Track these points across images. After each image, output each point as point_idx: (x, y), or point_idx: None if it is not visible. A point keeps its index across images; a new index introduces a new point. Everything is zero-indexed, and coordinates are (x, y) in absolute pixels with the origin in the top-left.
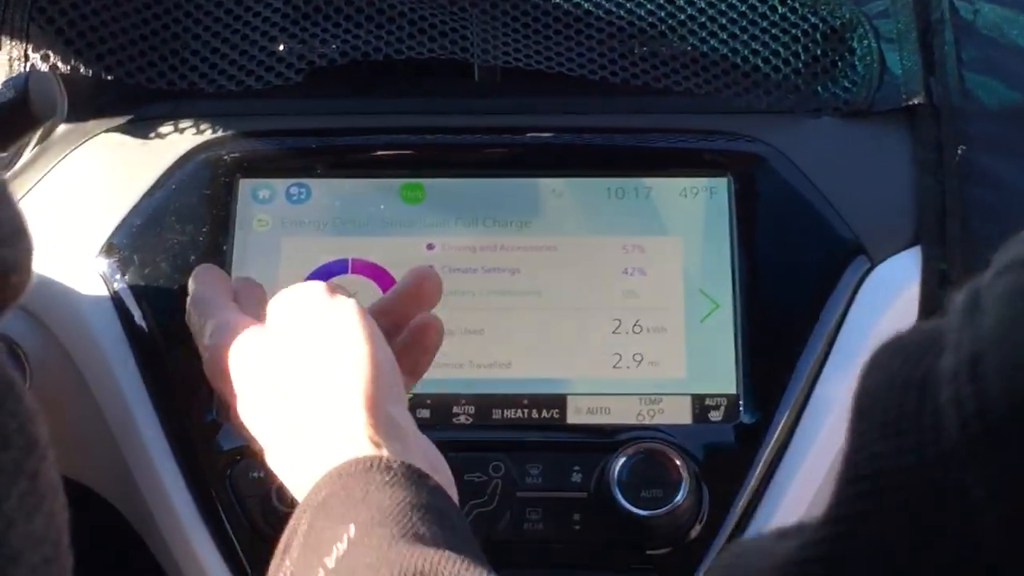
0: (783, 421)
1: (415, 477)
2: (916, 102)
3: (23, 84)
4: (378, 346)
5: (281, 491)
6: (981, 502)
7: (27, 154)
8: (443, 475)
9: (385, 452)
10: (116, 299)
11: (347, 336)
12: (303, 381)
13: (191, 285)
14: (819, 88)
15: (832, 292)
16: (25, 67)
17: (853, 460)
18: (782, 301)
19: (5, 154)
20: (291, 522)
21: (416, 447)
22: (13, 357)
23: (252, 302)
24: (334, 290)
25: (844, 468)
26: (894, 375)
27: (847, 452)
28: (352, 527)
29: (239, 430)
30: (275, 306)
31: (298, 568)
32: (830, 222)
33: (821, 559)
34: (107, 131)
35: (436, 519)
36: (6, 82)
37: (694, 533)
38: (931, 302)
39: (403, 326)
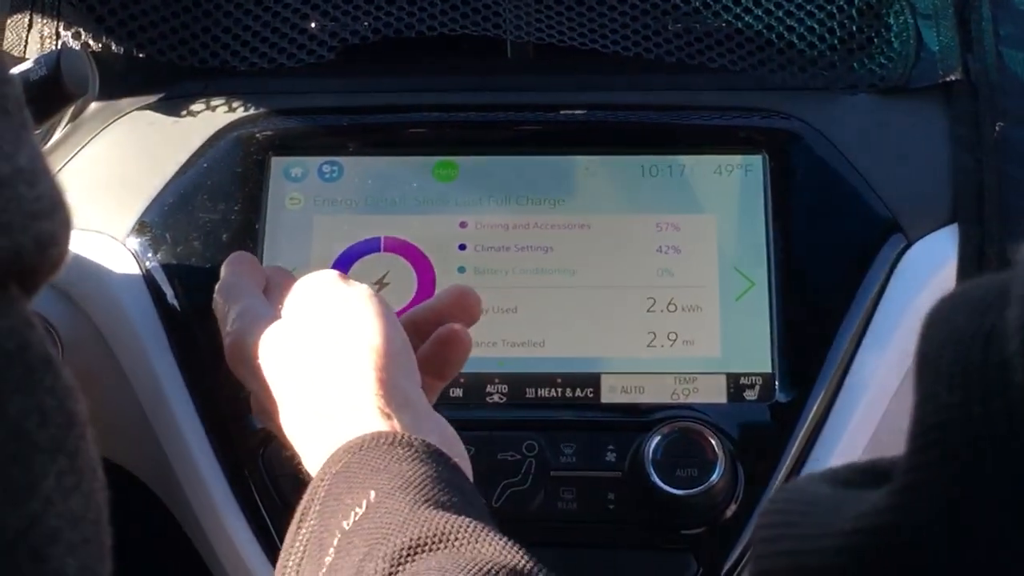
0: (819, 400)
1: (435, 454)
2: (953, 78)
3: (55, 61)
4: (389, 323)
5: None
6: None
7: (59, 132)
8: (458, 454)
9: (396, 424)
10: (148, 277)
11: (359, 315)
12: (317, 362)
13: (223, 271)
14: (855, 65)
15: (868, 270)
16: (56, 45)
17: (920, 412)
18: (818, 280)
19: (38, 131)
20: (308, 491)
21: (428, 422)
22: (46, 337)
23: (279, 289)
24: (347, 278)
25: (912, 420)
26: (959, 328)
27: (915, 404)
28: (372, 492)
29: (260, 415)
30: (291, 293)
31: (315, 532)
32: (866, 200)
33: (887, 509)
34: (139, 109)
35: (457, 492)
36: (38, 59)
37: (729, 512)
38: (969, 279)
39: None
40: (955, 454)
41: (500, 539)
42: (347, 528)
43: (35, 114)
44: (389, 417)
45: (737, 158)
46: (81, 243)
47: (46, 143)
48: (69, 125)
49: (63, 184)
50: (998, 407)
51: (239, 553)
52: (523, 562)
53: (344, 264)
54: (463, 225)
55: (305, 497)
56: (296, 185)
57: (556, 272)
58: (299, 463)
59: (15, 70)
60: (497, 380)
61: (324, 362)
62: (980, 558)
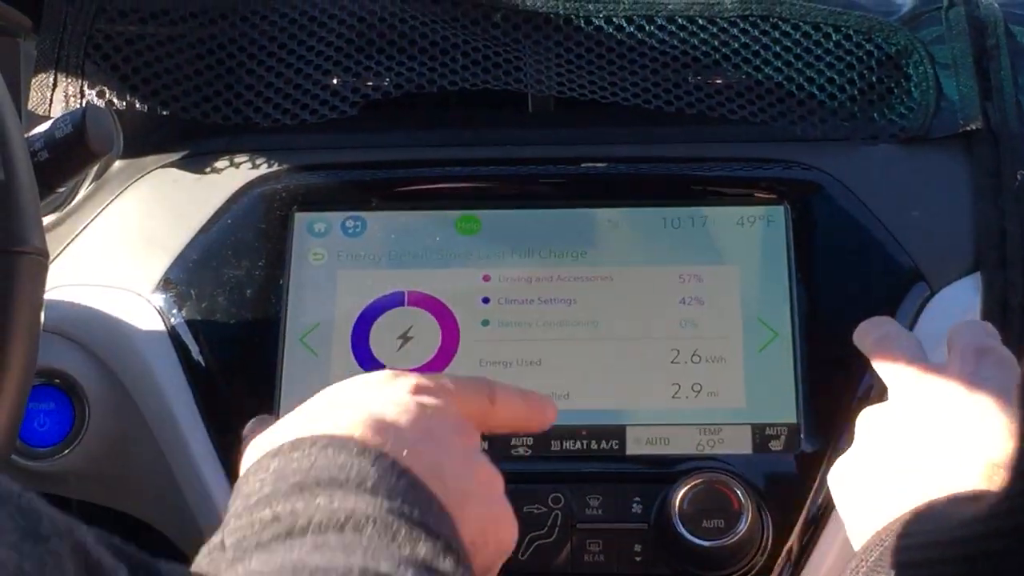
0: (844, 449)
1: None
2: (974, 127)
3: (80, 119)
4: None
5: None
6: None
7: (84, 190)
8: None
9: None
10: (173, 334)
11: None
12: None
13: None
14: (875, 115)
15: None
16: (81, 103)
17: None
18: (841, 329)
19: (63, 189)
20: None
21: None
22: (73, 395)
23: None
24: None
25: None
26: None
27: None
28: None
29: None
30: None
31: None
32: (889, 249)
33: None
34: (163, 166)
35: None
36: (63, 117)
37: (757, 563)
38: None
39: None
40: None
41: None
42: None
43: (60, 171)
44: None
45: (759, 209)
46: (106, 300)
47: (71, 201)
48: (93, 183)
49: (84, 245)
50: None
51: None
52: None
53: (368, 318)
54: (486, 278)
55: None
56: (320, 240)
57: (580, 324)
58: None
59: (41, 128)
60: (523, 433)
61: None
62: None
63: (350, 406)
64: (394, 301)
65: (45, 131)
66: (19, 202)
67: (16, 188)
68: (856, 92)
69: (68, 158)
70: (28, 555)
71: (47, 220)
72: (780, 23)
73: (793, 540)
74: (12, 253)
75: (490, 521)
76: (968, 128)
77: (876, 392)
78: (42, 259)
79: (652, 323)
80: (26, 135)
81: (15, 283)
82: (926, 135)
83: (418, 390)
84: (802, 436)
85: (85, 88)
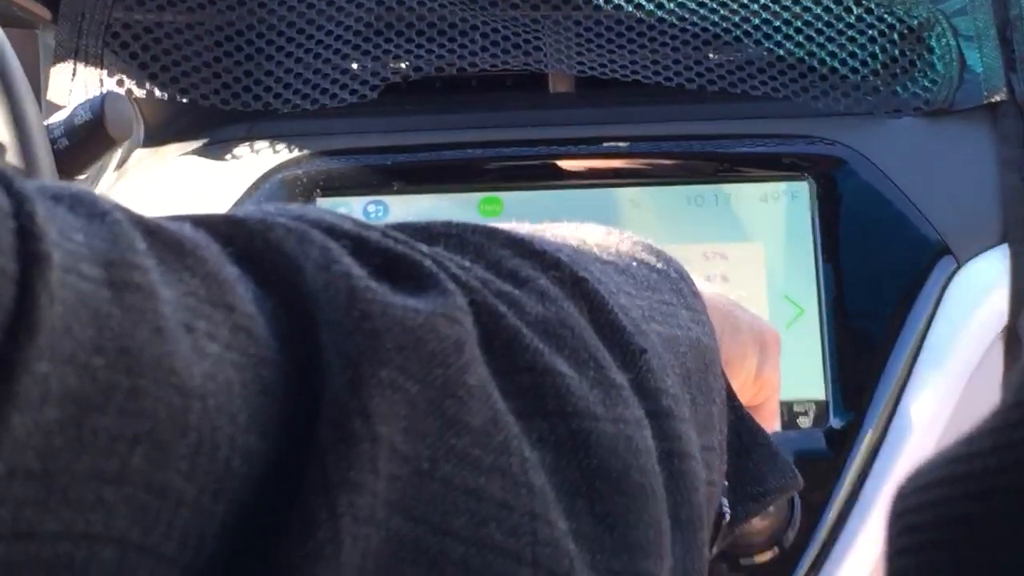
0: (873, 425)
1: None
2: (998, 99)
3: (99, 105)
4: None
5: None
6: None
7: (106, 179)
8: None
9: None
10: None
11: None
12: None
13: None
14: (899, 88)
15: (919, 294)
16: (101, 92)
17: None
18: (868, 304)
19: (84, 176)
20: None
21: None
22: None
23: None
24: None
25: None
26: None
27: None
28: None
29: None
30: None
31: None
32: (914, 223)
33: (986, 452)
34: (184, 154)
35: None
36: (82, 104)
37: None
38: (1021, 300)
39: None
40: None
41: None
42: None
43: (80, 158)
44: None
45: (783, 185)
46: None
47: (93, 189)
48: (115, 173)
49: None
50: None
51: None
52: None
53: None
54: None
55: None
56: None
57: None
58: None
59: (59, 115)
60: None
61: None
62: None
63: None
64: None
65: (64, 119)
66: None
67: (36, 175)
68: (879, 66)
69: (88, 145)
70: None
71: None
72: None
73: (824, 517)
74: None
75: None
76: (992, 99)
77: (905, 366)
78: None
79: None
80: (46, 123)
81: None
82: (950, 107)
83: None
84: (831, 412)
85: (104, 77)
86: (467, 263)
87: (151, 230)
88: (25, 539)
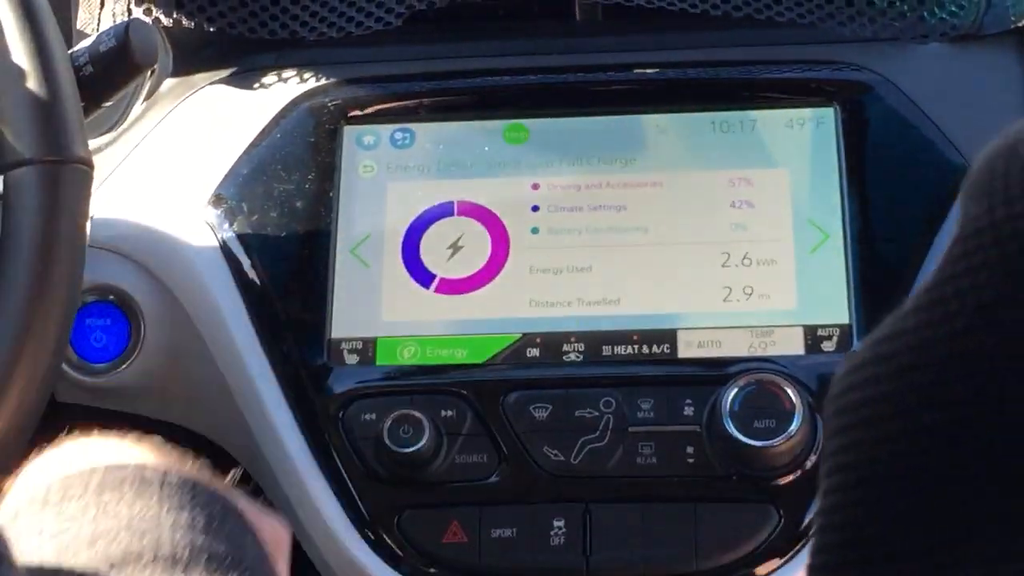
0: None
1: None
2: None
3: (123, 32)
4: None
5: (393, 432)
6: None
7: (136, 109)
8: None
9: None
10: (225, 248)
11: None
12: None
13: None
14: (925, 13)
15: (944, 220)
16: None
17: (955, 230)
18: (893, 230)
19: (110, 103)
20: None
21: None
22: (129, 311)
23: None
24: None
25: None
26: (989, 150)
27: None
28: None
29: None
30: None
31: None
32: (940, 149)
33: (912, 329)
34: (212, 83)
35: None
36: (107, 31)
37: (809, 463)
38: None
39: None
40: (980, 260)
41: None
42: None
43: (106, 85)
44: None
45: (808, 111)
46: (159, 216)
47: (124, 120)
48: (145, 102)
49: (136, 163)
50: (1020, 208)
51: (322, 516)
52: None
53: (418, 229)
54: (535, 187)
55: None
56: (369, 153)
57: (630, 230)
58: (379, 426)
59: (85, 43)
60: (574, 339)
61: None
62: (1005, 363)
63: None
64: (444, 211)
65: (89, 45)
66: (62, 113)
67: (59, 100)
68: None
69: (113, 72)
70: None
71: (101, 140)
72: None
73: None
74: (56, 163)
75: None
76: (1020, 24)
77: None
78: (87, 169)
79: (702, 227)
80: (72, 50)
81: (60, 193)
82: (978, 32)
83: None
84: (855, 336)
85: (132, 5)
86: None
87: None
88: None
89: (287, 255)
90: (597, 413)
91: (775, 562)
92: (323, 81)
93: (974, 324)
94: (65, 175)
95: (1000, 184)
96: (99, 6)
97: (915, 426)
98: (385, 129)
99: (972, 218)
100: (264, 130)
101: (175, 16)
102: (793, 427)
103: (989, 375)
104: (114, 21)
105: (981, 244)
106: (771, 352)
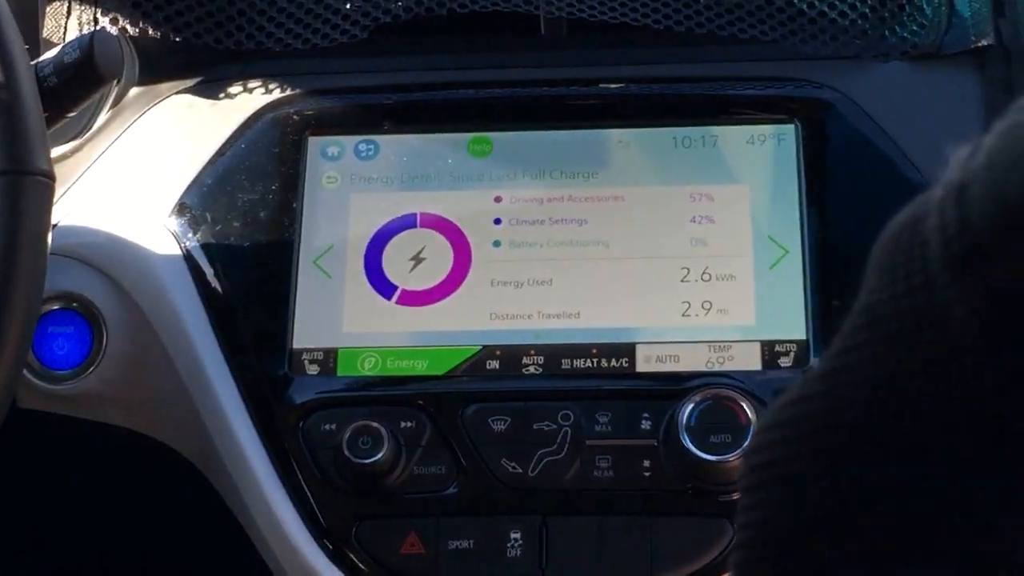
0: None
1: None
2: (985, 43)
3: (88, 44)
4: None
5: (353, 443)
6: (962, 321)
7: (102, 117)
8: None
9: None
10: (188, 257)
11: None
12: None
13: None
14: (886, 32)
15: None
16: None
17: (856, 303)
18: (851, 246)
19: (74, 114)
20: None
21: None
22: (91, 318)
23: None
24: None
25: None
26: (896, 221)
27: None
28: None
29: None
30: None
31: None
32: (899, 167)
33: (817, 395)
34: (178, 93)
35: None
36: (72, 42)
37: None
38: None
39: None
40: (879, 334)
41: None
42: None
43: (70, 96)
44: None
45: (770, 128)
46: (123, 225)
47: (89, 128)
48: (111, 111)
49: (101, 171)
50: (917, 284)
51: (280, 525)
52: None
53: (381, 240)
54: (498, 200)
55: None
56: (333, 164)
57: (591, 244)
58: (339, 437)
59: (50, 53)
60: (533, 352)
61: None
62: (907, 430)
63: None
64: (407, 223)
65: (53, 56)
66: (24, 124)
67: (21, 110)
68: (867, 9)
69: (77, 83)
70: None
71: (66, 148)
72: None
73: None
74: (17, 175)
75: None
76: (980, 44)
77: None
78: (48, 181)
79: (663, 242)
80: (36, 61)
81: (20, 204)
82: (938, 52)
83: None
84: (811, 352)
85: (98, 16)
86: None
87: None
88: None
89: (250, 265)
90: (555, 426)
91: None
92: (288, 92)
93: (874, 396)
94: (26, 186)
95: (902, 258)
96: (65, 15)
97: (809, 486)
98: (349, 140)
99: (875, 290)
100: (229, 140)
101: (141, 26)
102: (748, 442)
103: (884, 445)
104: (80, 30)
105: (882, 316)
106: (728, 367)
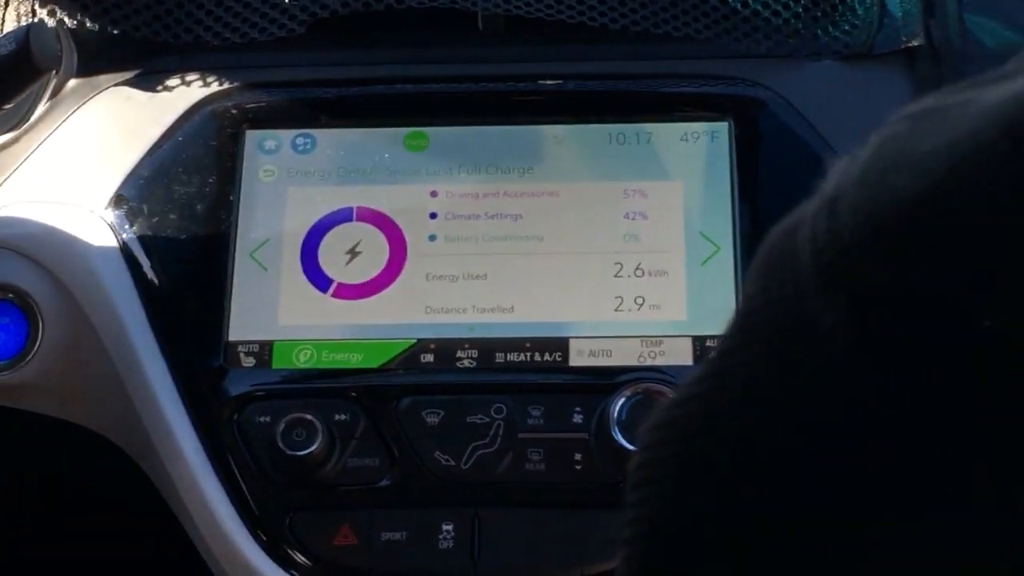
0: None
1: None
2: (916, 44)
3: (23, 36)
4: None
5: (287, 435)
6: (830, 329)
7: (40, 108)
8: None
9: None
10: (125, 249)
11: None
12: None
13: None
14: (819, 31)
15: None
16: (33, 22)
17: (738, 305)
18: None
19: (10, 105)
20: None
21: None
22: (27, 309)
23: None
24: None
25: None
26: (776, 230)
27: None
28: None
29: None
30: None
31: None
32: (830, 164)
33: (697, 397)
34: (116, 85)
35: None
36: (6, 35)
37: None
38: None
39: None
40: (753, 339)
41: None
42: None
43: (5, 89)
44: None
45: (703, 125)
46: (59, 216)
47: (27, 120)
48: (49, 102)
49: (39, 163)
50: (789, 292)
51: (214, 517)
52: None
53: (318, 234)
54: (434, 194)
55: None
56: (270, 158)
57: (526, 239)
58: (273, 430)
59: None
60: (467, 345)
61: None
62: (781, 436)
63: None
64: (343, 217)
65: None
66: None
67: None
68: (800, 8)
69: (12, 76)
70: None
71: (4, 138)
72: None
73: None
74: None
75: None
76: (910, 44)
77: None
78: None
79: (596, 237)
80: None
81: None
82: (869, 52)
83: None
84: None
85: (36, 6)
86: None
87: None
88: None
89: (186, 257)
90: (488, 419)
91: None
92: (226, 85)
93: (748, 400)
94: None
95: (777, 266)
96: (3, 6)
97: (686, 487)
98: (287, 134)
99: (751, 296)
100: (166, 132)
101: (79, 18)
102: (638, 440)
103: (757, 451)
104: (18, 22)
105: (756, 322)
106: (660, 362)
